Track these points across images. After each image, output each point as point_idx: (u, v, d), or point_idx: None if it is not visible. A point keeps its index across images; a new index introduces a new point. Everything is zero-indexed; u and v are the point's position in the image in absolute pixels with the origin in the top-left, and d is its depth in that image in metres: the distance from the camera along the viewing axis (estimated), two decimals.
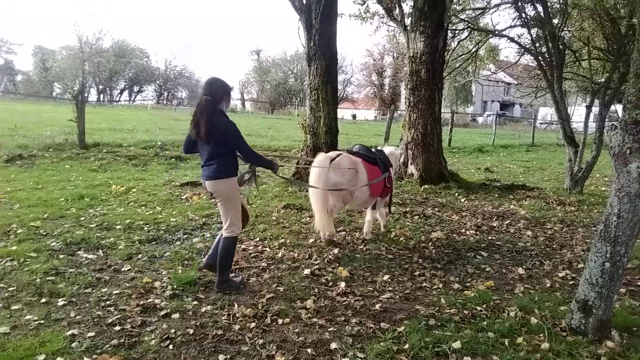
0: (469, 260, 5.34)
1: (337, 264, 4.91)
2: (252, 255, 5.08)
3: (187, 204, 7.02)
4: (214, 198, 4.16)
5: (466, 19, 11.14)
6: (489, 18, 25.47)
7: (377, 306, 3.96)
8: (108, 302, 3.78)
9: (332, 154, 5.46)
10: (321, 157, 5.34)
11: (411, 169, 9.67)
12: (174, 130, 15.68)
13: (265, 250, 5.22)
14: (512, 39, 10.40)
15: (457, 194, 9.02)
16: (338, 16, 12.75)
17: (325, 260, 4.99)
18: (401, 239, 5.99)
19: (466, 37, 11.69)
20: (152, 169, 9.74)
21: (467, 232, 6.49)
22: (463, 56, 12.53)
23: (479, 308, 3.95)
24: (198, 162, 10.61)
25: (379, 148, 6.27)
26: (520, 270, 5.08)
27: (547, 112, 40.76)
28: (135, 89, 55.12)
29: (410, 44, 9.56)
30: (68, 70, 44.75)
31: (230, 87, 4.11)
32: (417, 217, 7.07)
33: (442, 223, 6.87)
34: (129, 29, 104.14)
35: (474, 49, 12.05)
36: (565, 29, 9.92)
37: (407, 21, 9.84)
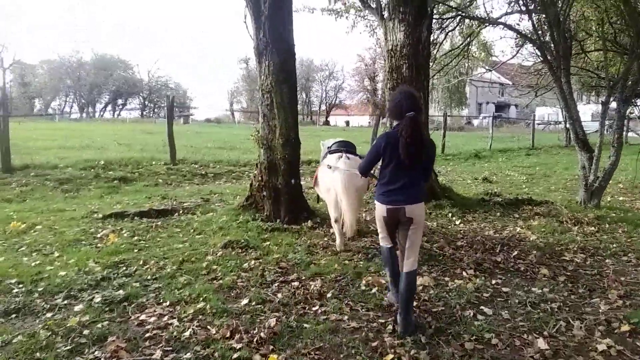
0: (466, 325, 3.73)
1: (271, 348, 3.29)
2: (146, 334, 3.45)
3: (97, 246, 5.40)
4: (402, 226, 3.69)
5: (454, 5, 9.59)
6: (481, 7, 23.92)
7: None
8: None
9: (342, 163, 5.32)
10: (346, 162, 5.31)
11: None
12: (133, 146, 14.07)
13: (170, 325, 3.59)
14: (510, 27, 8.85)
15: (450, 214, 7.41)
16: (310, 11, 11.32)
17: (255, 340, 3.36)
18: (373, 289, 4.38)
19: (455, 27, 10.09)
20: (84, 195, 8.12)
21: (464, 274, 4.88)
22: (453, 51, 10.95)
23: None
24: (144, 184, 9.03)
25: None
26: (541, 343, 3.47)
27: (544, 113, 39.31)
28: (120, 102, 53.41)
29: (389, 35, 7.99)
30: (49, 84, 43.16)
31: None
32: (398, 252, 5.45)
33: (431, 260, 5.26)
34: (112, 40, 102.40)
35: (466, 42, 10.46)
36: (570, 14, 8.39)
37: (386, 10, 8.29)
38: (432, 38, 9.41)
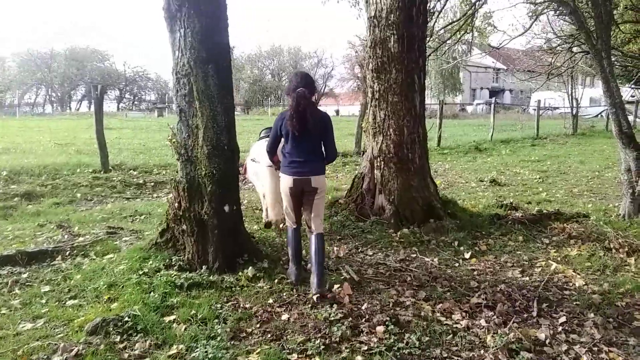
0: None
1: None
2: None
3: None
4: (307, 196, 3.97)
5: None
6: None
7: None
8: None
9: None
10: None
11: (380, 200, 5.98)
12: (70, 147, 11.83)
13: None
14: None
15: (457, 242, 5.35)
16: None
17: None
18: None
19: None
20: None
21: None
22: (453, 25, 8.79)
23: None
24: (55, 201, 6.89)
25: None
26: None
27: (542, 98, 37.30)
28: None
29: None
30: (18, 77, 40.46)
31: None
32: (380, 326, 3.39)
33: (432, 346, 3.20)
34: (88, 31, 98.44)
35: (470, 11, 8.28)
36: None
37: None
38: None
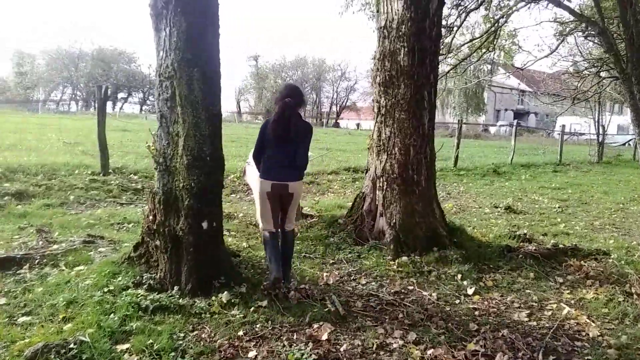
0: None
1: None
2: None
3: None
4: (281, 199, 4.14)
5: None
6: None
7: None
8: None
9: None
10: None
11: (381, 223, 5.55)
12: (77, 147, 11.69)
13: None
14: (560, 4, 6.25)
15: (460, 275, 4.88)
16: None
17: None
18: None
19: (480, 3, 7.31)
20: None
21: None
22: (475, 41, 8.35)
23: None
24: (46, 202, 6.65)
25: None
26: None
27: (567, 122, 36.31)
28: (121, 96, 50.96)
29: (382, 5, 5.52)
30: (46, 75, 41.21)
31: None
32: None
33: None
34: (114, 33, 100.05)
35: (493, 27, 7.81)
36: None
37: None
38: (444, 20, 6.90)
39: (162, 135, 3.94)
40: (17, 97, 41.76)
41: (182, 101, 3.83)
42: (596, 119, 20.16)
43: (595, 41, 6.75)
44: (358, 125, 58.06)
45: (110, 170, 8.48)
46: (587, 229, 7.71)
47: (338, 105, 62.79)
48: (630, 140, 28.46)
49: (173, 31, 3.83)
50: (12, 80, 44.42)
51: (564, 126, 20.75)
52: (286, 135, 3.96)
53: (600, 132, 20.21)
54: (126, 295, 3.66)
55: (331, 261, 5.09)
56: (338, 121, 60.71)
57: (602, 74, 10.07)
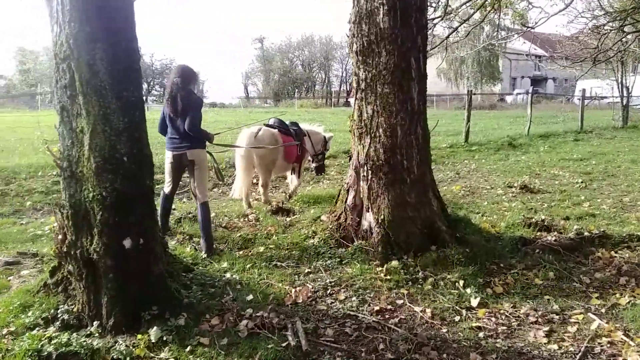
0: None
1: None
2: None
3: None
4: (188, 169, 4.63)
5: None
6: None
7: None
8: None
9: (254, 128, 5.98)
10: (246, 133, 5.96)
11: (368, 220, 4.66)
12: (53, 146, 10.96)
13: None
14: None
15: (462, 281, 3.98)
16: None
17: None
18: None
19: None
20: None
21: None
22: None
23: None
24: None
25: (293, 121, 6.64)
26: None
27: (587, 86, 34.45)
28: None
29: None
30: (49, 71, 40.71)
31: (197, 72, 4.72)
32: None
33: None
34: None
35: None
36: None
37: None
38: None
39: (65, 133, 3.09)
40: (21, 95, 41.44)
41: (83, 88, 2.97)
42: (619, 81, 18.79)
43: None
44: None
45: None
46: (615, 207, 6.71)
47: (348, 84, 61.30)
48: None
49: None
50: (17, 78, 44.14)
51: (584, 90, 19.37)
52: (176, 111, 4.41)
53: (624, 94, 18.84)
54: (28, 339, 2.88)
55: (306, 270, 4.24)
56: (348, 100, 59.36)
57: (626, 29, 8.90)
